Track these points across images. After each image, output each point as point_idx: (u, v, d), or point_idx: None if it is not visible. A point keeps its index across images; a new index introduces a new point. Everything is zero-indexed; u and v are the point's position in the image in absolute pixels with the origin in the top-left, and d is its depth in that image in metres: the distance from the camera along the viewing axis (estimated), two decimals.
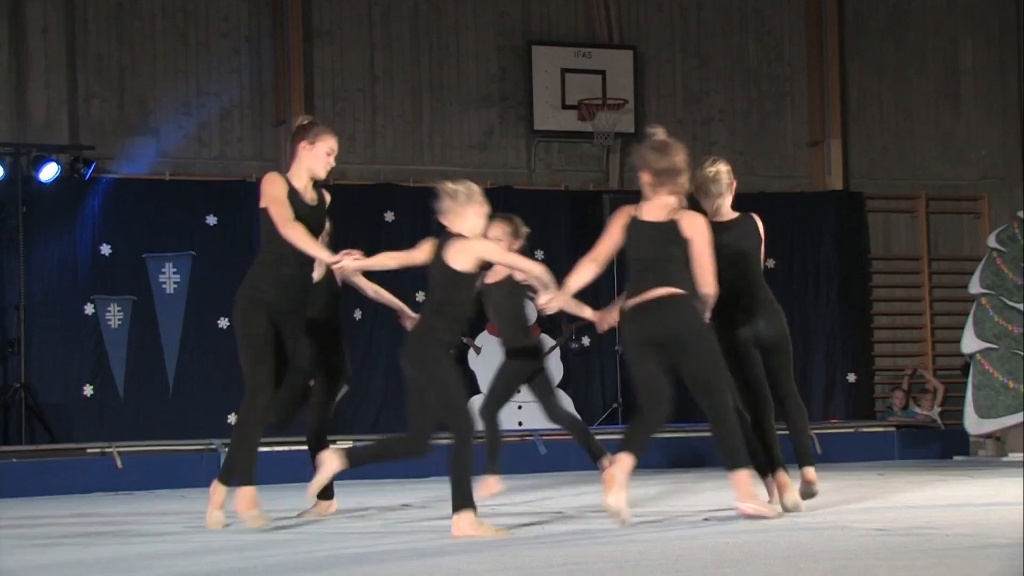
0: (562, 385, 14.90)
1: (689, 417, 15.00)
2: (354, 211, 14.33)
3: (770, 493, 7.58)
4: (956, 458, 13.45)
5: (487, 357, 11.81)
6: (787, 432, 7.67)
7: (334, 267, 7.14)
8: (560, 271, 7.17)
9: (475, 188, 6.96)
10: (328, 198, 7.51)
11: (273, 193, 7.27)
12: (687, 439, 13.26)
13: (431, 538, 6.85)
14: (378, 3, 15.25)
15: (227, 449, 7.67)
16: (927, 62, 16.99)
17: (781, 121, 16.54)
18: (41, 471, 11.35)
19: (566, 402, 14.88)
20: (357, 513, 8.45)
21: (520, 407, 14.70)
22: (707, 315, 7.09)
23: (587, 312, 8.02)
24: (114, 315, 13.90)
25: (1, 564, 6.10)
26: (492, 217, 7.35)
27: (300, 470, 9.78)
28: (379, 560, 6.00)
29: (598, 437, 13.33)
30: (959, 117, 17.06)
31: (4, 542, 7.11)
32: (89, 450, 11.85)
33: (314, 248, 7.16)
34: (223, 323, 13.78)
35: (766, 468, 7.54)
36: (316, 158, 7.38)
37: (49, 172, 13.53)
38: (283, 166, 14.40)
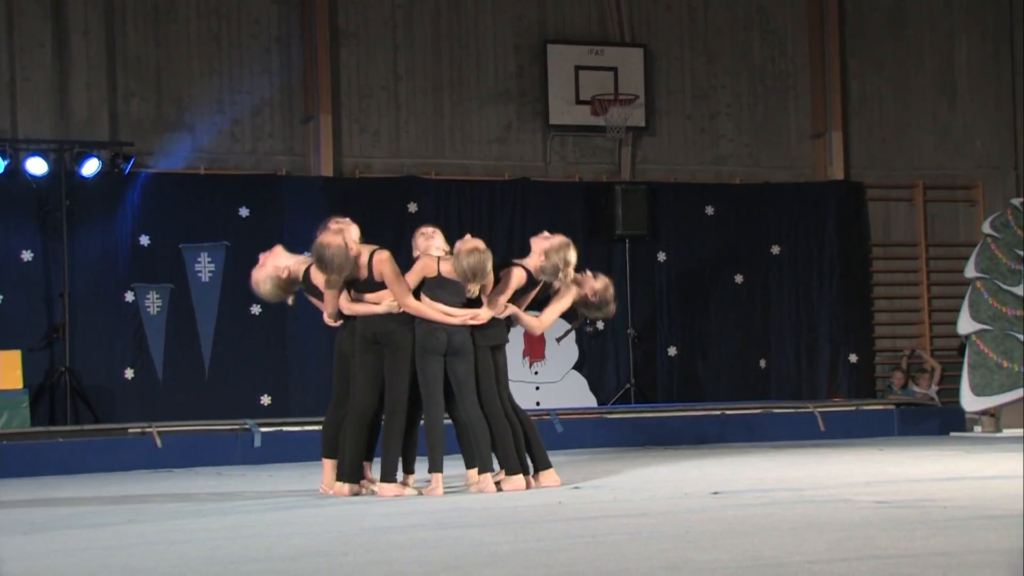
0: (578, 367, 14.88)
1: (695, 398, 15.13)
2: (379, 203, 14.35)
3: None
4: (953, 434, 13.40)
5: None
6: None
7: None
8: None
9: None
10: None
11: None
12: (693, 418, 13.24)
13: (447, 512, 6.84)
14: (401, 5, 15.20)
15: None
16: (924, 58, 16.89)
17: (785, 115, 16.46)
18: (85, 450, 11.37)
19: (579, 383, 14.91)
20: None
21: (538, 388, 14.69)
22: None
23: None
24: (153, 302, 13.90)
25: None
26: None
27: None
28: (401, 531, 5.99)
29: (612, 416, 13.42)
30: (955, 110, 16.96)
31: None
32: (130, 430, 11.86)
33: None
34: (255, 310, 13.79)
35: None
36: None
37: (91, 167, 13.53)
38: (311, 160, 14.56)
